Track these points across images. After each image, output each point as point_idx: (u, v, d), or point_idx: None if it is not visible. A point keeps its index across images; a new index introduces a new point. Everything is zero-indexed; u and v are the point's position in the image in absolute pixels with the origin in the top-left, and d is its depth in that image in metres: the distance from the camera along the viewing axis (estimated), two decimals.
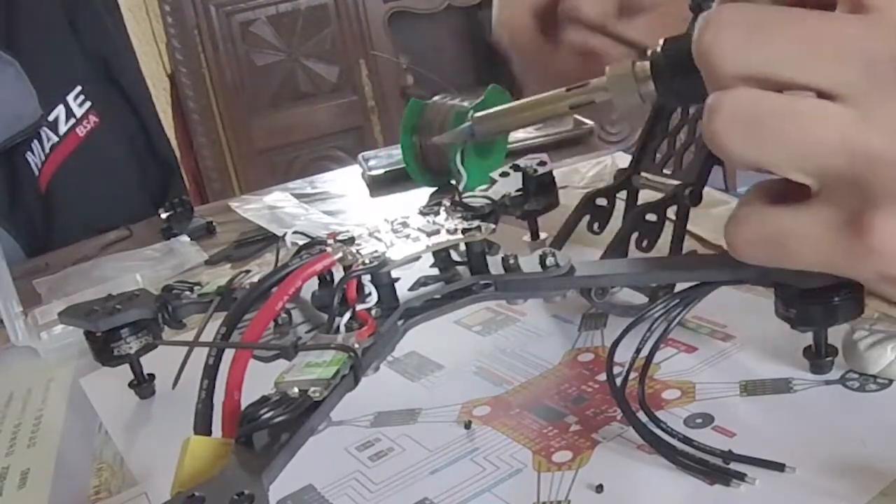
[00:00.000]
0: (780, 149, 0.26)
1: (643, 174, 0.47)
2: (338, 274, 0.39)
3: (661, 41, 0.34)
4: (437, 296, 0.39)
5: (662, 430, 0.35)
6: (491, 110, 0.40)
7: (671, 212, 0.44)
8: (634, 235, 0.44)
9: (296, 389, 0.32)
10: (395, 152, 0.84)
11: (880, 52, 0.25)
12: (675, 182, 0.45)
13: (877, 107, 0.25)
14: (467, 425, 0.40)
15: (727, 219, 0.30)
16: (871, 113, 0.25)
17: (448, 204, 0.44)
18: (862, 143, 0.25)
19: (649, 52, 0.34)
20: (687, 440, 0.34)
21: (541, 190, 0.48)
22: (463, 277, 0.39)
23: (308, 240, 0.43)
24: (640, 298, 0.45)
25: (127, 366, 0.48)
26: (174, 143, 1.62)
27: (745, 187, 0.31)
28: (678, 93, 0.34)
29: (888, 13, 0.25)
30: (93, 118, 1.07)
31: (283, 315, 0.39)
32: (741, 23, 0.26)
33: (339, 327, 0.36)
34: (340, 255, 0.39)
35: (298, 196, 0.88)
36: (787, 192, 0.28)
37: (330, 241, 0.41)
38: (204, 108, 2.39)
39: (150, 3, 2.30)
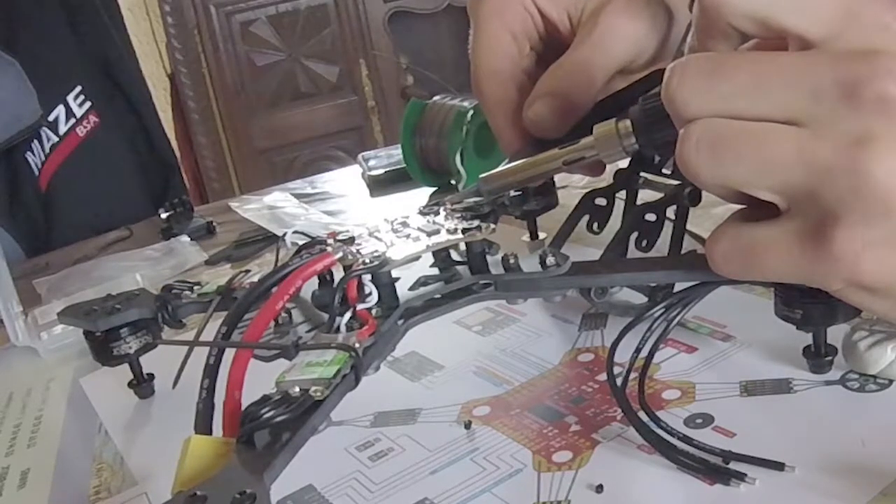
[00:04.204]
0: (743, 167, 0.29)
1: (642, 174, 0.47)
2: (338, 274, 0.39)
3: (640, 99, 0.36)
4: (438, 296, 0.39)
5: (663, 429, 0.35)
6: (495, 171, 0.43)
7: (671, 212, 0.44)
8: (634, 235, 0.44)
9: (297, 389, 0.32)
10: (395, 152, 0.84)
11: (824, 79, 0.28)
12: (675, 182, 0.45)
13: (826, 125, 0.28)
14: (467, 425, 0.40)
15: (708, 236, 0.32)
16: (821, 131, 0.28)
17: (448, 204, 0.44)
18: (815, 156, 0.28)
19: (630, 110, 0.36)
20: (687, 440, 0.34)
21: (540, 190, 0.48)
22: (463, 277, 0.39)
23: (308, 240, 0.43)
24: (640, 298, 0.44)
25: (127, 365, 0.48)
26: (174, 143, 1.62)
27: None
28: (657, 144, 0.36)
29: (829, 47, 0.29)
30: (93, 118, 1.07)
31: (284, 315, 0.39)
32: (701, 68, 0.30)
33: (339, 327, 0.36)
34: (340, 254, 0.38)
35: (298, 196, 0.88)
36: (760, 214, 0.30)
37: (330, 241, 0.41)
38: (204, 108, 2.39)
39: (150, 3, 2.31)
